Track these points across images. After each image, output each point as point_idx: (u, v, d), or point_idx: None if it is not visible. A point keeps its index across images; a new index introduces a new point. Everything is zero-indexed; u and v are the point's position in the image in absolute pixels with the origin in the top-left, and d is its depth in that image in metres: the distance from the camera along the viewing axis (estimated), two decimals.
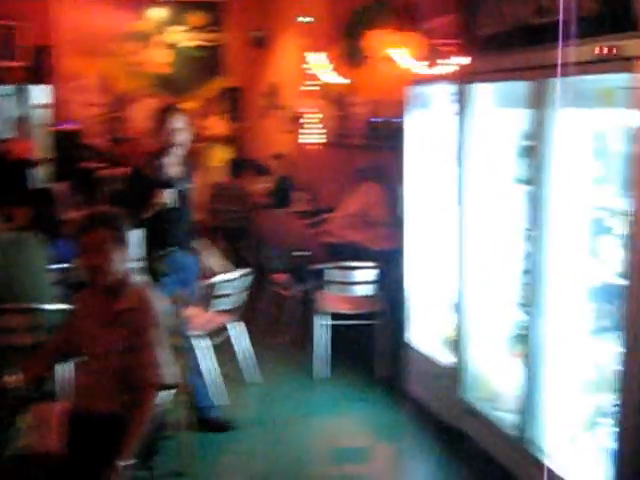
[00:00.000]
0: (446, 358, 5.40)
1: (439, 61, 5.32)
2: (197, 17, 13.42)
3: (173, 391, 4.17)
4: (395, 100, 6.32)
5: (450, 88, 5.12)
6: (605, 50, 3.47)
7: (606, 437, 3.83)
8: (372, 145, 8.40)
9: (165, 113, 5.39)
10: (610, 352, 3.79)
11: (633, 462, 3.56)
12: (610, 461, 3.70)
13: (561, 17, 3.66)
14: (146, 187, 5.24)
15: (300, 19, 10.06)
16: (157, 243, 5.31)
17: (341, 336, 6.59)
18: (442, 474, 4.96)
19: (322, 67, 8.82)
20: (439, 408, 5.46)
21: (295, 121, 10.74)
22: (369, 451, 5.36)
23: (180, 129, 5.35)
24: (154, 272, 5.21)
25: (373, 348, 6.55)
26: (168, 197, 5.24)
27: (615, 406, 3.67)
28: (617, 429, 3.64)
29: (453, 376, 5.20)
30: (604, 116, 3.94)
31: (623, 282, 3.60)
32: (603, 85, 3.68)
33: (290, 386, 6.42)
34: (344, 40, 6.24)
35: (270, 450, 5.29)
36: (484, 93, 4.83)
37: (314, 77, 9.39)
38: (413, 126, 5.84)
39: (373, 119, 8.36)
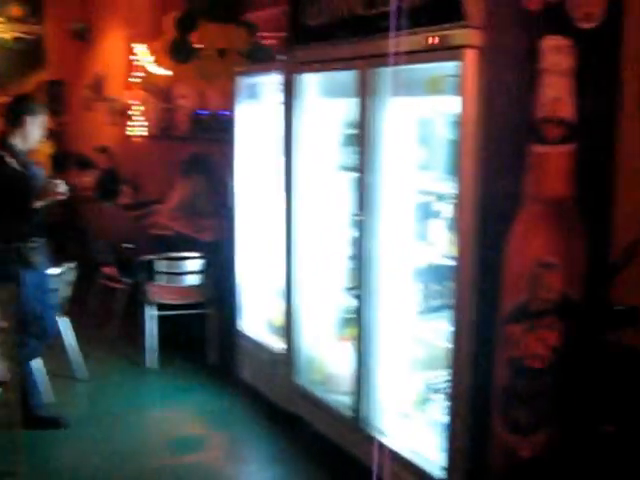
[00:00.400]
0: (278, 344, 5.35)
1: (268, 52, 5.26)
2: (15, 8, 12.80)
3: (1, 388, 3.93)
4: (223, 91, 6.24)
5: (278, 79, 5.07)
6: (433, 40, 3.50)
7: (438, 412, 3.88)
8: (199, 137, 8.28)
9: (24, 104, 5.07)
10: (440, 330, 3.85)
11: (464, 435, 3.61)
12: (442, 435, 3.75)
13: (391, 8, 3.66)
14: (23, 179, 4.90)
15: (125, 9, 9.80)
16: (32, 234, 4.99)
17: (173, 327, 6.42)
18: (278, 458, 4.89)
19: (148, 59, 8.60)
20: (273, 393, 5.40)
21: (121, 113, 10.45)
22: (204, 440, 5.23)
23: (40, 122, 5.05)
24: (26, 262, 4.94)
25: (205, 337, 6.44)
26: (64, 189, 4.94)
27: (446, 382, 3.73)
28: (448, 404, 3.69)
29: (286, 361, 5.15)
30: (431, 104, 4.00)
31: (451, 263, 3.65)
32: (431, 73, 3.73)
33: (122, 379, 6.21)
34: (172, 31, 6.08)
35: (103, 445, 5.04)
36: (312, 83, 4.79)
37: (140, 69, 9.15)
38: (243, 117, 5.76)
39: (200, 111, 8.24)
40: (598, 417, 3.59)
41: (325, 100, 4.80)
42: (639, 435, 3.27)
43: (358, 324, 4.35)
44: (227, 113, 6.41)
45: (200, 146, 8.06)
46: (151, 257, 6.45)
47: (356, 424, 4.39)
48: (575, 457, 3.76)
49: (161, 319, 6.40)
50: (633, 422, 3.29)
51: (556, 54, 3.52)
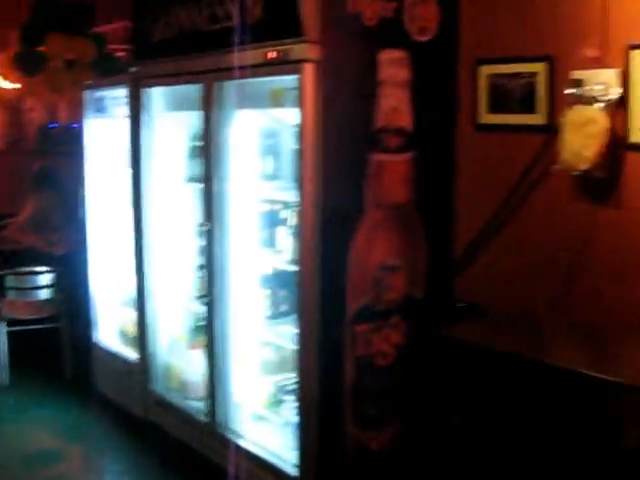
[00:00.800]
0: (132, 353, 5.28)
1: (118, 64, 5.18)
2: None
3: None
4: (73, 104, 6.11)
5: (126, 92, 5.01)
6: (274, 54, 3.54)
7: (291, 412, 3.93)
8: (49, 150, 8.05)
9: None
10: (288, 334, 3.90)
11: (314, 432, 3.66)
12: (294, 433, 3.80)
13: (233, 23, 3.69)
14: None
15: None
16: None
17: (27, 342, 6.22)
18: (136, 467, 4.81)
19: None
20: (129, 403, 5.31)
21: None
22: (61, 453, 5.06)
23: None
24: None
25: (60, 351, 6.28)
26: None
27: (295, 383, 3.77)
28: (298, 403, 3.74)
29: (141, 370, 5.08)
30: (275, 115, 4.04)
31: (295, 268, 3.70)
32: (274, 86, 3.77)
33: None
34: (19, 43, 5.87)
35: None
36: (158, 97, 4.76)
37: None
38: (92, 130, 5.67)
39: (50, 124, 8.02)
40: (447, 409, 3.71)
41: (172, 113, 4.78)
42: (484, 424, 3.38)
43: (209, 331, 4.34)
44: (77, 126, 6.27)
45: (51, 159, 7.83)
46: (0, 272, 6.24)
47: (212, 428, 4.38)
48: (425, 448, 3.87)
49: (14, 335, 6.19)
50: (478, 412, 3.41)
51: (393, 66, 3.63)
